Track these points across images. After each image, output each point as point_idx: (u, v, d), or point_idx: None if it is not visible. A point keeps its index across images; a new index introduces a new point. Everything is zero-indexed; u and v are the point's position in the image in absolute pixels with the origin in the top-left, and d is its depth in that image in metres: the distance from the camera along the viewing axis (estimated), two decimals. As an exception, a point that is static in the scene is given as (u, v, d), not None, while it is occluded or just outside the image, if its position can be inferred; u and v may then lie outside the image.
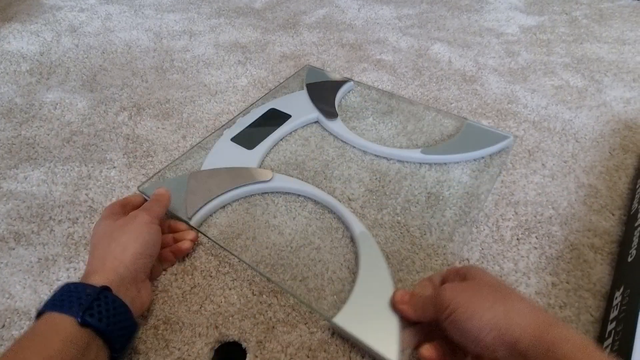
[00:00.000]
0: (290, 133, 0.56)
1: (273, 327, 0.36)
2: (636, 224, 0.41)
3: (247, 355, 0.34)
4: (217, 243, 0.42)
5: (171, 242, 0.41)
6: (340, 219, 0.44)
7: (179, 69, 0.70)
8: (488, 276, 0.30)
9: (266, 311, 0.37)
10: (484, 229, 0.44)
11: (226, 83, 0.67)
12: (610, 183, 0.49)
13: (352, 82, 0.63)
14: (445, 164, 0.51)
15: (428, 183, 0.49)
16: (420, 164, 0.51)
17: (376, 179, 0.49)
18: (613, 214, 0.45)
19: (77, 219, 0.45)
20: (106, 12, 0.88)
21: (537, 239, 0.43)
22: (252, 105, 0.60)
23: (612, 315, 0.35)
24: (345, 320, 0.34)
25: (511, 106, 0.61)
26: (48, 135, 0.56)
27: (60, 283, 0.39)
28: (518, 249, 0.42)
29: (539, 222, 0.45)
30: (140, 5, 0.91)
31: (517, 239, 0.43)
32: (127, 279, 0.33)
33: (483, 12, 0.89)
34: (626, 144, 0.55)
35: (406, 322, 0.33)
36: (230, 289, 0.38)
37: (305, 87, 0.61)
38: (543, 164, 0.52)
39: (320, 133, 0.56)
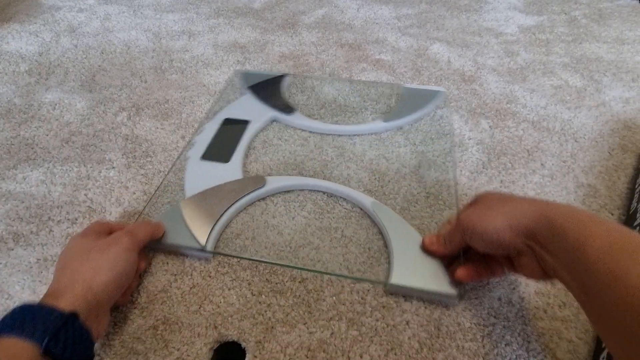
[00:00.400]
0: (257, 135, 0.55)
1: (272, 327, 0.36)
2: (635, 224, 0.41)
3: (247, 355, 0.34)
4: (242, 258, 0.41)
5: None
6: (345, 199, 0.47)
7: (178, 69, 0.70)
8: (491, 194, 0.36)
9: (265, 311, 0.37)
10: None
11: (225, 83, 0.66)
12: (609, 183, 0.49)
13: (291, 75, 0.65)
14: (401, 128, 0.57)
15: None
16: (388, 133, 0.56)
17: (375, 178, 0.49)
18: (612, 214, 0.46)
19: (76, 219, 0.45)
20: (105, 13, 0.87)
21: (536, 238, 0.43)
22: (199, 125, 0.57)
23: (611, 315, 0.35)
24: (399, 278, 0.37)
25: (510, 106, 0.61)
26: (47, 135, 0.56)
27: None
28: (517, 249, 0.42)
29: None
30: (139, 5, 0.91)
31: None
32: (93, 308, 0.30)
33: (482, 12, 0.89)
34: (625, 144, 0.55)
35: (443, 259, 0.38)
36: (229, 289, 0.38)
37: (249, 90, 0.61)
38: (542, 164, 0.52)
39: (282, 130, 0.57)
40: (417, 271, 0.38)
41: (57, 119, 0.59)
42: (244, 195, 0.45)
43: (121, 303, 0.37)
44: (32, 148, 0.54)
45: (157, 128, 0.57)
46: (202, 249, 0.40)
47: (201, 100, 0.62)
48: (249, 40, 0.78)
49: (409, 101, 0.60)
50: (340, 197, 0.47)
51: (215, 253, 0.41)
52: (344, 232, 0.44)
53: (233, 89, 0.63)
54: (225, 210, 0.44)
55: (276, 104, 0.58)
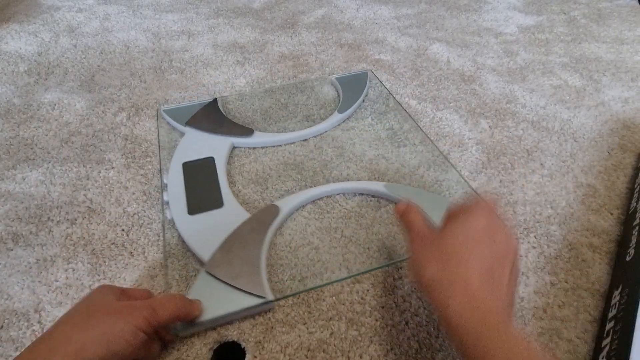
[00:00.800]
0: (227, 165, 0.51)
1: (272, 327, 0.36)
2: (634, 223, 0.41)
3: (246, 355, 0.34)
4: (306, 290, 0.38)
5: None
6: (355, 194, 0.47)
7: (178, 69, 0.70)
8: (462, 235, 0.29)
9: (265, 311, 0.37)
10: None
11: (225, 83, 0.66)
12: (608, 182, 0.49)
13: (220, 98, 0.60)
14: (353, 115, 0.59)
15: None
16: (342, 126, 0.57)
17: (375, 178, 0.49)
18: (611, 214, 0.46)
19: (76, 219, 0.45)
20: (104, 13, 0.87)
21: (535, 238, 0.43)
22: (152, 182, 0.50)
23: (610, 314, 0.35)
24: None
25: (510, 106, 0.61)
26: (46, 135, 0.56)
27: (58, 284, 0.39)
28: (517, 249, 0.42)
29: (538, 222, 0.45)
30: (138, 5, 0.91)
31: (516, 238, 0.43)
32: None
33: (482, 12, 0.89)
34: (624, 144, 0.55)
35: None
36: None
37: (188, 127, 0.54)
38: (541, 164, 0.52)
39: (246, 153, 0.53)
40: None
41: (56, 119, 0.59)
42: (269, 227, 0.42)
43: None
44: (32, 148, 0.54)
45: (157, 128, 0.57)
46: (267, 302, 0.36)
47: (201, 100, 0.62)
48: (249, 40, 0.78)
49: (348, 88, 0.62)
50: (345, 196, 0.47)
51: (280, 299, 0.38)
52: (344, 232, 0.44)
53: (167, 131, 0.55)
54: (261, 253, 0.39)
55: (230, 130, 0.54)
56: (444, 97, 0.63)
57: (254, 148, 0.54)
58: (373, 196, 0.47)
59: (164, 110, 0.57)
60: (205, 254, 0.39)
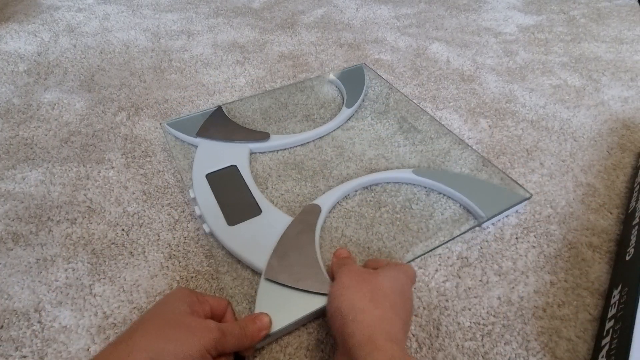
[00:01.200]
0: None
1: (272, 326, 0.36)
2: (634, 223, 0.41)
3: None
4: None
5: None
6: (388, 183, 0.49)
7: (177, 69, 0.70)
8: (393, 282, 0.33)
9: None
10: (484, 228, 0.44)
11: (224, 83, 0.66)
12: (608, 182, 0.49)
13: (220, 106, 0.57)
14: (360, 106, 0.60)
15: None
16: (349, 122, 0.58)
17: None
18: (611, 213, 0.46)
19: (76, 219, 0.45)
20: (104, 12, 0.87)
21: (535, 237, 0.43)
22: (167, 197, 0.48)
23: (610, 314, 0.35)
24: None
25: (509, 105, 0.61)
26: (46, 135, 0.56)
27: (58, 284, 0.39)
28: (517, 248, 0.42)
29: (537, 221, 0.45)
30: (138, 5, 0.91)
31: (516, 237, 0.43)
32: None
33: (481, 12, 0.89)
34: (624, 143, 0.55)
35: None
36: (231, 289, 0.38)
37: (199, 137, 0.52)
38: (541, 163, 0.52)
39: (261, 158, 0.53)
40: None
41: (56, 119, 0.59)
42: (314, 229, 0.41)
43: None
44: (31, 148, 0.54)
45: (157, 128, 0.57)
46: None
47: (200, 100, 0.62)
48: (248, 40, 0.78)
49: (350, 82, 0.63)
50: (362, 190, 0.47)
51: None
52: (344, 231, 0.44)
53: (177, 144, 0.53)
54: (316, 253, 0.39)
55: (246, 136, 0.53)
56: (443, 97, 0.63)
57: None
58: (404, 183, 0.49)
59: (167, 124, 0.54)
60: (260, 262, 0.38)
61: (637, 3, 0.91)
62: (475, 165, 0.51)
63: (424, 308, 0.37)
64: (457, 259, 0.41)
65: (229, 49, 0.75)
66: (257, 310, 0.34)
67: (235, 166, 0.49)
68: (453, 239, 0.43)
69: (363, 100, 0.61)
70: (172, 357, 0.27)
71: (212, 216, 0.43)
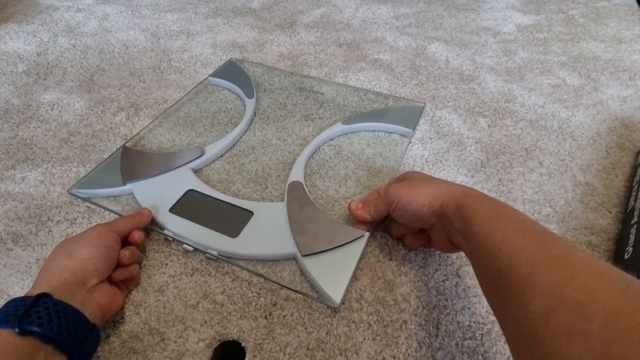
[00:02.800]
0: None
1: (272, 327, 0.36)
2: (633, 222, 0.41)
3: (246, 354, 0.34)
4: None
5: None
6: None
7: (177, 69, 0.70)
8: (417, 174, 0.40)
9: (265, 311, 0.37)
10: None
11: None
12: (607, 181, 0.49)
13: (125, 146, 0.52)
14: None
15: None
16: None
17: (371, 175, 0.50)
18: (610, 212, 0.46)
19: (75, 219, 0.45)
20: (103, 12, 0.87)
21: (534, 237, 0.43)
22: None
23: (609, 312, 0.35)
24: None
25: (508, 105, 0.62)
26: (45, 135, 0.56)
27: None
28: (515, 247, 0.42)
29: (537, 220, 0.45)
30: (137, 5, 0.91)
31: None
32: (72, 283, 0.31)
33: (480, 11, 0.89)
34: (622, 142, 0.55)
35: (365, 225, 0.42)
36: (230, 289, 0.38)
37: (129, 184, 0.47)
38: (540, 163, 0.52)
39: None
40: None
41: (55, 119, 0.59)
42: (310, 199, 0.45)
43: (123, 283, 0.37)
44: (31, 148, 0.54)
45: (156, 127, 0.57)
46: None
47: (199, 99, 0.62)
48: (248, 40, 0.78)
49: (234, 78, 0.65)
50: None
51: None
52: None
53: (103, 200, 0.47)
54: (326, 215, 0.43)
55: (182, 159, 0.50)
56: (442, 96, 0.63)
57: (252, 148, 0.54)
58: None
59: (77, 189, 0.47)
60: (286, 248, 0.41)
61: (635, 3, 0.92)
62: (474, 165, 0.51)
63: (424, 307, 0.37)
64: (457, 258, 0.41)
65: (229, 49, 0.75)
66: (322, 285, 0.37)
67: (192, 189, 0.46)
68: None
69: (256, 90, 0.63)
70: (79, 254, 0.33)
71: (209, 240, 0.41)
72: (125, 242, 0.39)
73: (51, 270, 0.32)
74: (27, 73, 0.69)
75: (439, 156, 0.53)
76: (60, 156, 0.53)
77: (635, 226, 0.40)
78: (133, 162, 0.49)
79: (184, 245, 0.41)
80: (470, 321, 0.36)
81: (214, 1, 0.93)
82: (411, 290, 0.38)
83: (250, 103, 0.59)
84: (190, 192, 0.46)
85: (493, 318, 0.36)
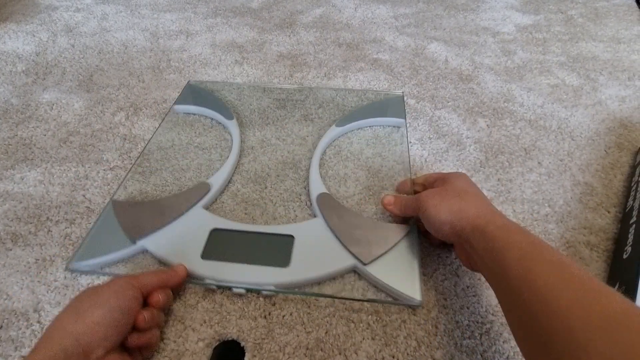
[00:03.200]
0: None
1: (271, 327, 0.36)
2: (631, 221, 0.41)
3: (246, 353, 0.34)
4: None
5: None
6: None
7: (176, 68, 0.70)
8: (461, 181, 0.38)
9: (264, 311, 0.37)
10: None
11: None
12: (605, 181, 0.49)
13: (113, 201, 0.45)
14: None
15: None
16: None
17: (370, 175, 0.50)
18: (608, 212, 0.46)
19: (74, 219, 0.45)
20: (102, 12, 0.87)
21: (533, 236, 0.43)
22: None
23: (607, 312, 0.35)
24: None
25: (507, 105, 0.62)
26: (44, 135, 0.56)
27: (57, 284, 0.39)
28: (514, 247, 0.42)
29: (536, 220, 0.45)
30: (136, 5, 0.91)
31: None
32: (73, 355, 0.27)
33: (479, 11, 0.89)
34: (621, 142, 0.55)
35: (397, 218, 0.43)
36: (229, 289, 0.38)
37: (141, 240, 0.41)
38: (539, 162, 0.52)
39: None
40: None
41: (54, 119, 0.59)
42: (342, 204, 0.45)
43: (146, 341, 0.32)
44: (30, 148, 0.54)
45: (155, 128, 0.57)
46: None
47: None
48: (247, 40, 0.78)
49: (206, 102, 0.60)
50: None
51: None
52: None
53: (111, 265, 0.41)
54: (365, 216, 0.44)
55: (190, 199, 0.45)
56: (442, 96, 0.63)
57: (253, 147, 0.54)
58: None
59: (77, 262, 0.40)
60: (343, 262, 0.39)
61: (634, 2, 0.92)
62: (473, 165, 0.51)
63: (423, 307, 0.37)
64: (456, 258, 0.41)
65: (228, 48, 0.75)
66: (397, 287, 0.37)
67: (216, 228, 0.42)
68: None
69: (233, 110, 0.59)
70: (89, 318, 0.29)
71: (261, 276, 0.38)
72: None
73: (54, 334, 0.28)
74: (26, 73, 0.69)
75: (438, 156, 0.53)
76: (59, 156, 0.53)
77: (634, 226, 0.40)
78: (134, 216, 0.43)
79: (234, 290, 0.37)
80: (469, 320, 0.36)
81: (213, 1, 0.93)
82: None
83: (232, 124, 0.55)
84: (215, 232, 0.42)
85: (492, 317, 0.36)
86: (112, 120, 0.59)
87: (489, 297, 0.38)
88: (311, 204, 0.46)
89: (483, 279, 0.39)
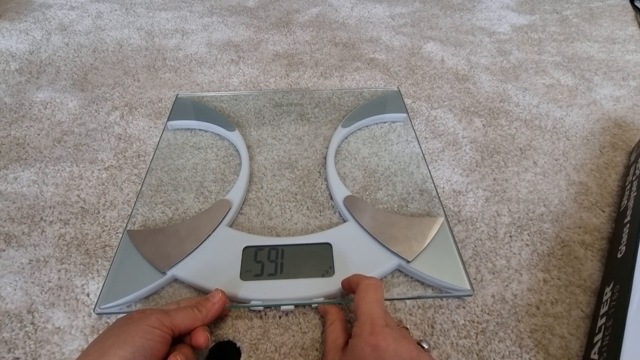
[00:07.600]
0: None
1: (267, 328, 0.36)
2: (625, 221, 0.42)
3: (242, 354, 0.34)
4: None
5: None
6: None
7: (171, 67, 0.70)
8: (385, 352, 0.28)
9: (259, 311, 0.37)
10: (479, 226, 0.44)
11: (219, 82, 0.66)
12: (600, 180, 0.50)
13: (126, 231, 0.42)
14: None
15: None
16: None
17: (367, 175, 0.50)
18: (603, 211, 0.46)
19: (69, 220, 0.45)
20: (97, 11, 0.87)
21: (529, 236, 0.43)
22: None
23: (602, 311, 0.35)
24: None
25: (503, 104, 0.62)
26: (38, 135, 0.55)
27: (51, 285, 0.38)
28: (510, 246, 0.42)
29: (531, 220, 0.45)
30: (131, 3, 0.90)
31: (510, 236, 0.43)
32: None
33: (475, 11, 0.90)
34: (616, 142, 0.55)
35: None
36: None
37: (169, 270, 0.38)
38: (534, 162, 0.52)
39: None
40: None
41: (48, 118, 0.58)
42: (372, 205, 0.44)
43: None
44: (24, 148, 0.53)
45: (151, 127, 0.57)
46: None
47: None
48: (243, 39, 0.78)
49: (200, 114, 0.58)
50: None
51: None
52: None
53: (144, 304, 0.38)
54: (394, 214, 0.44)
55: (211, 221, 0.43)
56: (438, 96, 0.64)
57: (249, 146, 0.54)
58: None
59: (103, 307, 0.36)
60: (389, 264, 0.39)
61: (628, 3, 0.92)
62: (469, 165, 0.51)
63: (419, 307, 0.37)
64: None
65: (224, 48, 0.75)
66: (446, 280, 0.37)
67: (247, 246, 0.40)
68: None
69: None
70: (118, 346, 0.27)
71: (309, 290, 0.37)
72: (179, 338, 0.32)
73: None
74: (19, 71, 0.68)
75: (434, 156, 0.53)
76: (53, 156, 0.52)
77: (628, 225, 0.41)
78: (156, 244, 0.40)
79: (282, 308, 0.36)
80: (465, 320, 0.36)
81: (209, 0, 0.93)
82: (407, 290, 0.39)
83: (235, 136, 0.53)
84: (248, 250, 0.40)
85: (488, 317, 0.37)
86: (106, 119, 0.58)
87: (485, 296, 0.38)
88: (337, 209, 0.45)
89: (478, 278, 0.39)
